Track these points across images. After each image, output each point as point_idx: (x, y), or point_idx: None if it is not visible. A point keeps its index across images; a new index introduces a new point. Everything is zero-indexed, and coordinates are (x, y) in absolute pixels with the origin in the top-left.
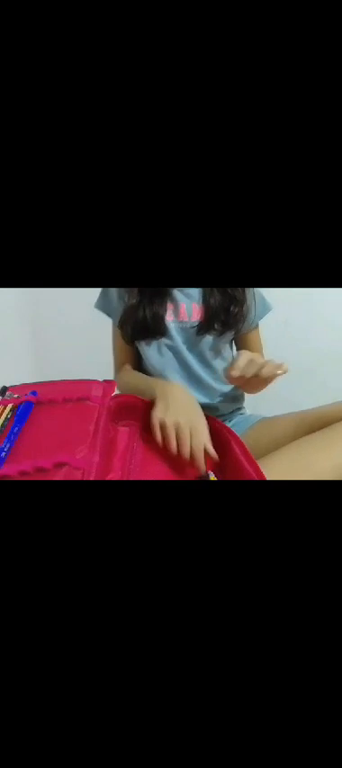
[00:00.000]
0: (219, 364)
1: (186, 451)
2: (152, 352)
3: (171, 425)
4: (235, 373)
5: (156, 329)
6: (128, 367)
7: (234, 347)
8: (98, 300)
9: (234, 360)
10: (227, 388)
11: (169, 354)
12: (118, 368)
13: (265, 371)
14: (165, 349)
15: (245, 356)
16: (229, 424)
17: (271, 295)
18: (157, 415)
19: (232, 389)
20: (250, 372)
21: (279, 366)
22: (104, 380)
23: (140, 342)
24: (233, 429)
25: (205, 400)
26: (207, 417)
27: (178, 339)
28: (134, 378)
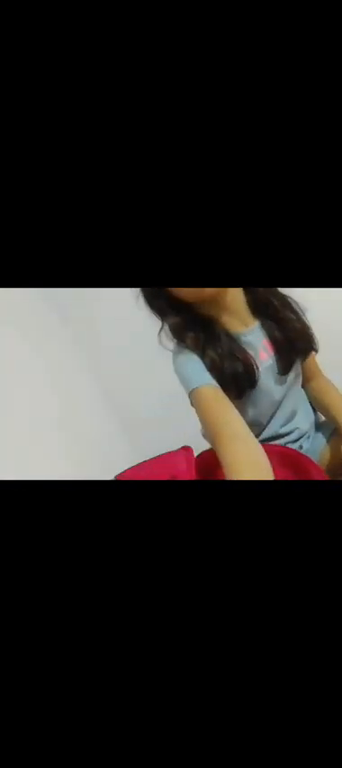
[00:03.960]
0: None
1: None
2: (245, 405)
3: None
4: None
5: (251, 377)
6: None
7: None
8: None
9: None
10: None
11: (261, 398)
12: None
13: None
14: (257, 396)
15: None
16: (307, 445)
17: None
18: None
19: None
20: None
21: None
22: (182, 448)
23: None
24: (312, 447)
25: (296, 426)
26: (281, 448)
27: (270, 379)
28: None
